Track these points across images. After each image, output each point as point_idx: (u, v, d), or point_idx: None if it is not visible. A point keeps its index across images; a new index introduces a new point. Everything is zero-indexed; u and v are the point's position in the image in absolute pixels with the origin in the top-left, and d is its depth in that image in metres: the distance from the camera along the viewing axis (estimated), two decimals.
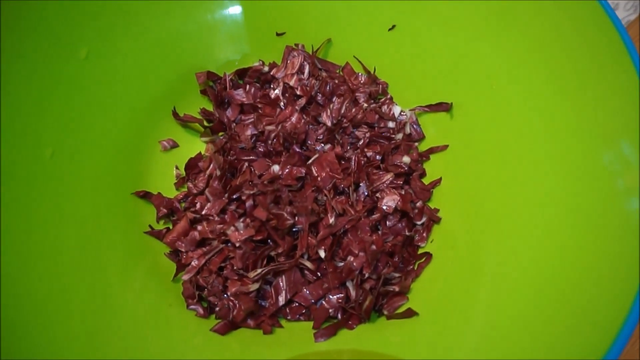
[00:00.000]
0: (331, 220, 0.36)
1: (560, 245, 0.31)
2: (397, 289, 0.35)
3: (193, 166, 0.41)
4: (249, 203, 0.36)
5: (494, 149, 0.37)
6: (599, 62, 0.32)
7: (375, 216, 0.37)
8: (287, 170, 0.38)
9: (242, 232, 0.35)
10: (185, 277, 0.36)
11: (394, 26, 0.42)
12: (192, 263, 0.36)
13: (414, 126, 0.41)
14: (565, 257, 0.30)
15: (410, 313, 0.33)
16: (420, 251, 0.38)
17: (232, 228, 0.36)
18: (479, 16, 0.38)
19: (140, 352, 0.32)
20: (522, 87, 0.36)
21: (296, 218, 0.36)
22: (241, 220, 0.36)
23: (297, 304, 0.35)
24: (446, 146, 0.40)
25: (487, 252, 0.34)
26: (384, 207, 0.37)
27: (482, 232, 0.35)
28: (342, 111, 0.41)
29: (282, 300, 0.35)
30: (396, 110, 0.42)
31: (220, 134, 0.43)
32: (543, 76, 0.34)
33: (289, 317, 0.36)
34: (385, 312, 0.34)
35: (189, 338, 0.34)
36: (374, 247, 0.36)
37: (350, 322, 0.34)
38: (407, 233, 0.38)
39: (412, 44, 0.42)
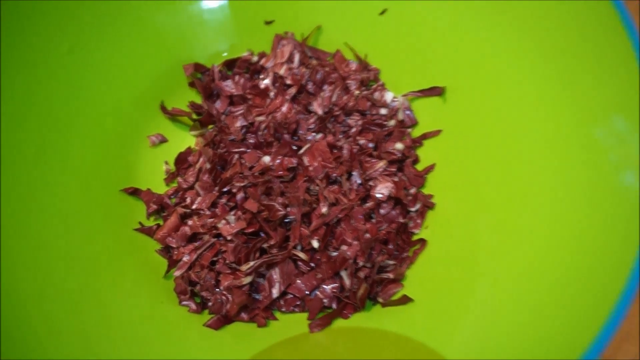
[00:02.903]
0: (324, 210, 0.35)
1: (558, 228, 0.30)
2: (391, 276, 0.34)
3: (183, 161, 0.40)
4: (239, 195, 0.36)
5: (488, 133, 0.36)
6: (593, 36, 0.31)
7: (369, 204, 0.37)
8: (278, 160, 0.38)
9: (233, 225, 0.35)
10: (177, 273, 0.35)
11: (384, 10, 0.41)
12: (184, 259, 0.36)
13: (407, 112, 0.41)
14: (564, 241, 0.30)
15: (405, 300, 0.33)
16: (414, 238, 0.37)
17: (223, 221, 0.35)
18: None
19: (132, 350, 0.31)
20: (514, 65, 0.35)
21: (288, 209, 0.35)
22: (232, 213, 0.36)
23: (291, 296, 0.35)
24: (439, 131, 0.39)
25: (483, 237, 0.34)
26: (378, 195, 0.37)
27: (478, 218, 0.35)
28: (334, 99, 0.40)
29: (275, 292, 0.34)
30: (388, 96, 0.41)
31: (210, 126, 0.42)
32: (536, 54, 0.34)
33: (283, 309, 0.35)
34: (380, 300, 0.34)
35: (183, 334, 0.33)
36: (367, 235, 0.35)
37: (345, 312, 0.34)
38: (401, 220, 0.37)
39: (404, 29, 0.41)
